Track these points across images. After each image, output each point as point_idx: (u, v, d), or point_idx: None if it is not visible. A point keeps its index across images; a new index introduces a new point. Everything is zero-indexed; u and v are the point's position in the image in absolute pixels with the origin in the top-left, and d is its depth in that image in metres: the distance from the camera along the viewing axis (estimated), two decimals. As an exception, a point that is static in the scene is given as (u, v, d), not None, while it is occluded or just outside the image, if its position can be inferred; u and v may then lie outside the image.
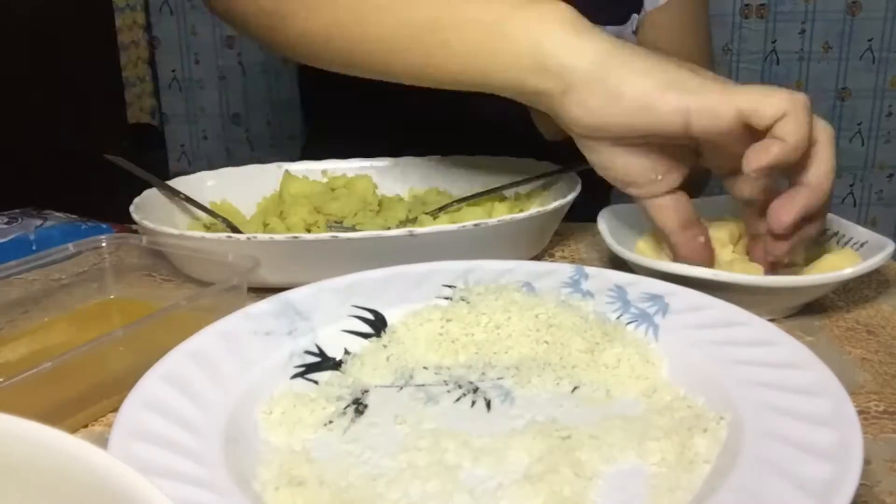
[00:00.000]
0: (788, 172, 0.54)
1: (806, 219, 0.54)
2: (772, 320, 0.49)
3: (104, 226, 0.74)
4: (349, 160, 0.80)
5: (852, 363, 0.52)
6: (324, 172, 0.78)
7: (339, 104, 0.95)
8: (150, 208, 0.67)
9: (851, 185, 2.27)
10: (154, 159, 2.20)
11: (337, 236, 0.60)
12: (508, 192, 0.75)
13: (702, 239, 0.59)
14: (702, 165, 0.59)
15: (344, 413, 0.44)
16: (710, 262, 0.59)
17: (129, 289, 0.62)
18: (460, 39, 0.58)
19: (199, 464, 0.36)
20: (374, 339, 0.50)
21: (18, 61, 1.74)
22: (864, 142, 2.22)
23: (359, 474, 0.39)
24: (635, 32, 0.95)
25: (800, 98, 0.51)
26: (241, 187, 0.76)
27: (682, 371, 0.46)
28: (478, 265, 0.55)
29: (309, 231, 0.68)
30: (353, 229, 0.68)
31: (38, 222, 0.73)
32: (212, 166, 0.78)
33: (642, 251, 0.61)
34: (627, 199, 0.62)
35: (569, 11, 0.58)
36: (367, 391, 0.46)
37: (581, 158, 0.62)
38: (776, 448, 0.36)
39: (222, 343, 0.46)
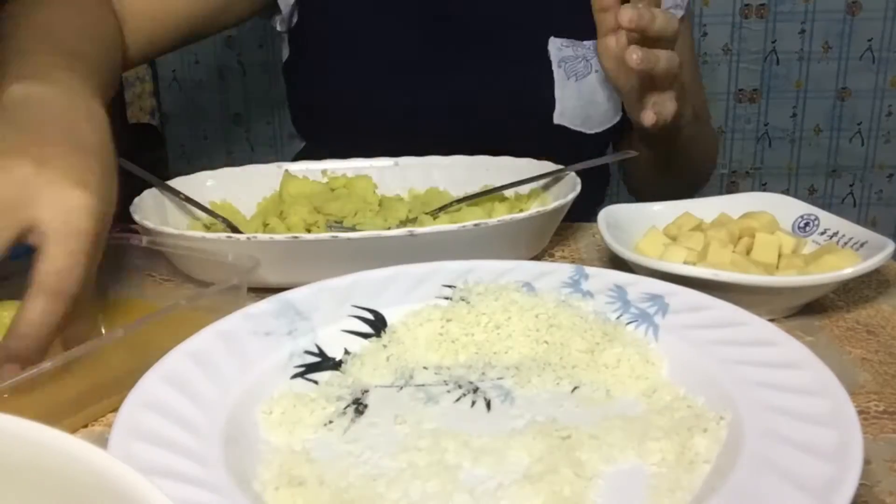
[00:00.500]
0: None
1: None
2: (772, 320, 0.50)
3: (104, 226, 0.74)
4: (349, 160, 0.80)
5: (852, 363, 0.52)
6: (324, 172, 0.78)
7: (337, 128, 0.96)
8: (149, 208, 0.67)
9: (851, 185, 2.27)
10: (154, 159, 2.19)
11: (337, 236, 0.60)
12: (508, 192, 0.75)
13: None
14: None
15: (344, 413, 0.44)
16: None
17: (129, 289, 0.62)
18: None
19: (199, 464, 0.36)
20: (373, 339, 0.50)
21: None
22: (864, 142, 2.22)
23: (359, 474, 0.39)
24: None
25: None
26: (241, 187, 0.76)
27: (682, 371, 0.46)
28: (478, 265, 0.55)
29: (309, 231, 0.68)
30: (353, 229, 0.68)
31: (38, 222, 0.72)
32: (212, 166, 0.78)
33: (642, 251, 0.61)
34: (627, 199, 0.62)
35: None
36: (367, 391, 0.46)
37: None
38: (776, 448, 0.36)
39: (222, 343, 0.46)
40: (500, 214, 0.68)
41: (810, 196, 2.25)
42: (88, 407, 0.47)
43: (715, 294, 0.50)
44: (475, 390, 0.46)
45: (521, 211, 0.70)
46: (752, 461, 0.35)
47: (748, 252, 0.62)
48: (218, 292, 0.53)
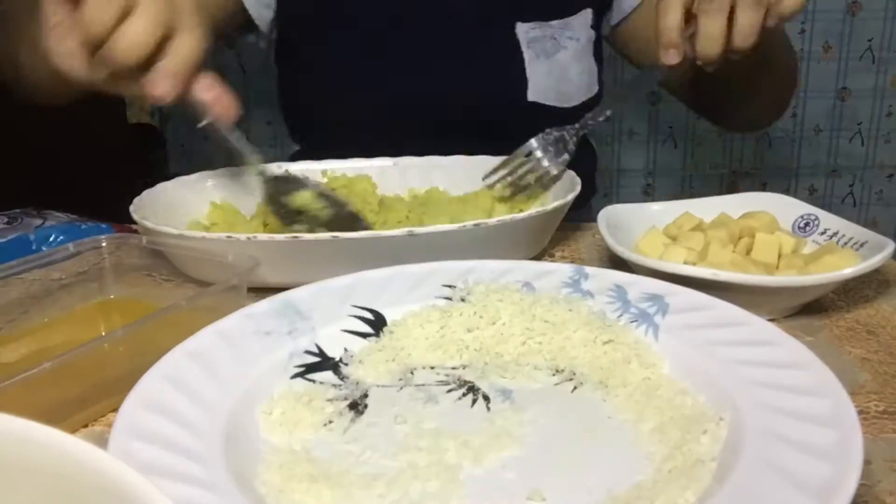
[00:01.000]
0: None
1: None
2: (772, 320, 0.50)
3: (104, 226, 0.74)
4: (349, 160, 0.80)
5: (852, 363, 0.52)
6: (324, 172, 0.78)
7: (328, 131, 0.97)
8: (150, 208, 0.67)
9: (851, 185, 2.27)
10: (154, 159, 2.19)
11: (337, 236, 0.60)
12: (508, 192, 0.75)
13: None
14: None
15: (344, 413, 0.44)
16: None
17: (129, 289, 0.62)
18: None
19: (199, 464, 0.36)
20: (373, 338, 0.50)
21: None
22: (864, 142, 2.22)
23: (359, 474, 0.39)
24: (610, 36, 0.97)
25: None
26: (241, 187, 0.76)
27: (683, 371, 0.46)
28: (478, 265, 0.55)
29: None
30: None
31: (38, 222, 0.73)
32: (212, 166, 0.78)
33: (642, 251, 0.61)
34: (627, 198, 0.62)
35: None
36: (366, 391, 0.46)
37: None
38: (776, 448, 0.36)
39: (222, 343, 0.46)
40: (500, 214, 0.68)
41: (810, 196, 2.25)
42: (88, 407, 0.47)
43: (715, 294, 0.50)
44: (475, 390, 0.46)
45: (521, 211, 0.70)
46: (752, 461, 0.35)
47: (748, 252, 0.62)
48: (218, 292, 0.53)
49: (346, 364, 0.48)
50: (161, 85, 0.57)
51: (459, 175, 0.78)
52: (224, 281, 0.53)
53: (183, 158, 2.37)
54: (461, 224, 0.60)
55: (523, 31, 0.91)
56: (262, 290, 0.56)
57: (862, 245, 0.60)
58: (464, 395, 0.46)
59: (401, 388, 0.47)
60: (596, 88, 0.97)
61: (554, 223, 0.69)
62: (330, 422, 0.43)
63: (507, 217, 0.62)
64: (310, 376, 0.47)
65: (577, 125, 0.73)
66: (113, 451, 0.36)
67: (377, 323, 0.51)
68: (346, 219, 0.68)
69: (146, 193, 0.69)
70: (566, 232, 0.74)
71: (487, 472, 0.39)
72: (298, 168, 0.77)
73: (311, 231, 0.66)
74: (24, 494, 0.23)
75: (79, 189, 1.32)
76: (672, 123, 2.12)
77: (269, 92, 2.48)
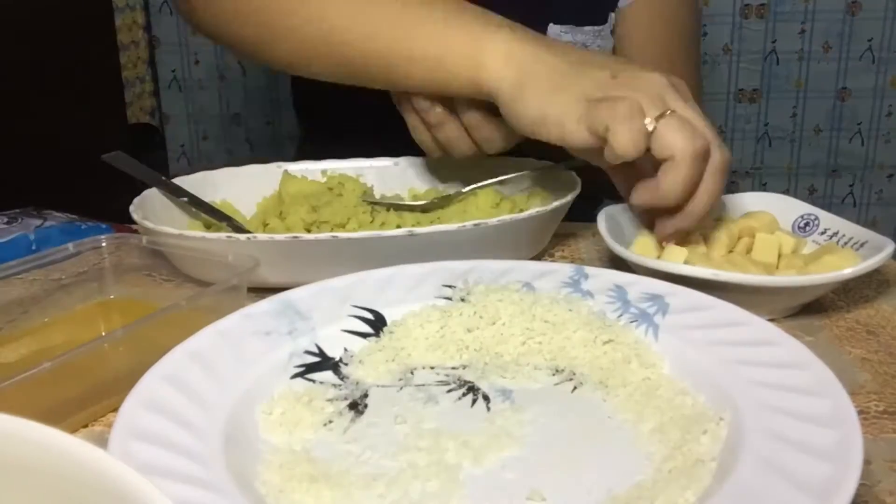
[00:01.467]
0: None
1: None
2: (772, 320, 0.50)
3: (104, 226, 0.74)
4: (349, 160, 0.80)
5: (852, 363, 0.52)
6: (323, 172, 0.78)
7: (337, 106, 0.95)
8: (150, 208, 0.67)
9: (851, 185, 2.27)
10: (154, 159, 2.19)
11: (337, 236, 0.60)
12: (507, 192, 0.75)
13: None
14: None
15: (344, 413, 0.44)
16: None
17: (129, 289, 0.62)
18: (411, 73, 0.66)
19: (199, 464, 0.36)
20: (373, 338, 0.50)
21: (18, 61, 1.74)
22: (863, 142, 2.22)
23: (359, 474, 0.39)
24: (612, 32, 0.96)
25: (690, 149, 0.55)
26: (241, 187, 0.76)
27: (683, 371, 0.46)
28: (478, 265, 0.55)
29: (309, 231, 0.68)
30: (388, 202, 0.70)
31: (38, 222, 0.73)
32: (212, 166, 0.78)
33: (642, 250, 0.61)
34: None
35: (500, 38, 0.63)
36: (366, 391, 0.46)
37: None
38: (776, 448, 0.36)
39: (222, 343, 0.46)
40: (500, 214, 0.68)
41: (810, 196, 2.25)
42: (88, 407, 0.47)
43: (715, 294, 0.50)
44: (475, 390, 0.46)
45: (521, 211, 0.70)
46: (752, 461, 0.35)
47: (748, 252, 0.62)
48: (218, 292, 0.53)
49: (346, 364, 0.48)
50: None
51: (459, 175, 0.78)
52: (224, 281, 0.53)
53: (183, 158, 2.38)
54: (461, 224, 0.60)
55: (555, 33, 0.90)
56: (262, 290, 0.56)
57: (862, 245, 0.60)
58: (464, 395, 0.46)
59: (401, 389, 0.47)
60: None
61: (554, 223, 0.69)
62: (330, 422, 0.43)
63: (507, 217, 0.62)
64: (310, 376, 0.47)
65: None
66: (113, 451, 0.36)
67: (377, 323, 0.51)
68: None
69: (146, 193, 0.69)
70: (566, 232, 0.74)
71: (487, 472, 0.39)
72: (298, 168, 0.77)
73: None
74: (24, 494, 0.23)
75: (79, 189, 1.33)
76: (672, 123, 2.12)
77: (268, 92, 2.49)
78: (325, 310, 0.51)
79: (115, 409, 0.39)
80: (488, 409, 0.45)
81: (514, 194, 0.75)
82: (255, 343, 0.47)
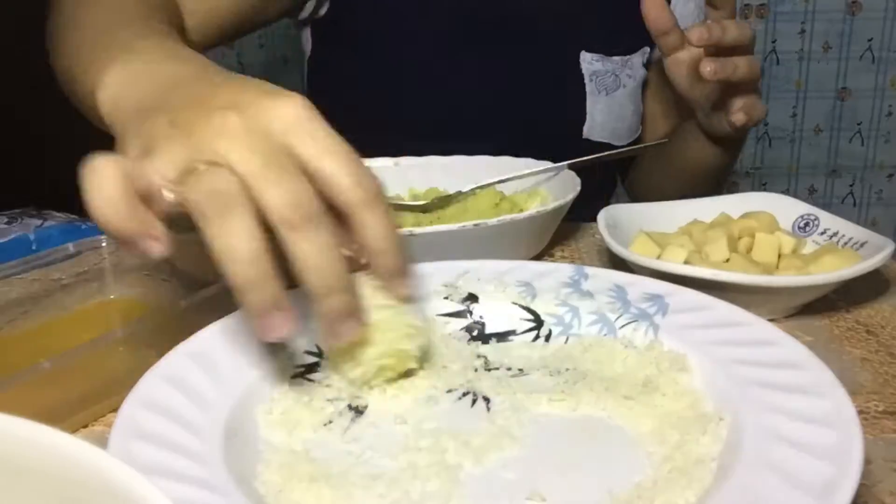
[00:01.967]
0: None
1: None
2: (772, 320, 0.50)
3: (104, 226, 0.74)
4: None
5: (852, 363, 0.52)
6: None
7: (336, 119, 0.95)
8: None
9: (851, 185, 2.27)
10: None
11: (337, 236, 0.60)
12: (509, 191, 0.75)
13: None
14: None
15: (344, 413, 0.44)
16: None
17: (129, 289, 0.62)
18: (85, 94, 0.55)
19: (199, 464, 0.36)
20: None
21: (18, 61, 1.74)
22: (864, 142, 2.22)
23: (359, 474, 0.39)
24: (647, 66, 0.96)
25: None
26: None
27: (683, 371, 0.46)
28: (478, 265, 0.55)
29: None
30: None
31: (38, 222, 0.73)
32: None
33: (642, 250, 0.61)
34: (627, 199, 0.62)
35: (125, 58, 0.51)
36: (366, 391, 0.46)
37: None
38: (776, 448, 0.36)
39: (222, 343, 0.46)
40: (500, 214, 0.68)
41: (810, 196, 2.25)
42: (88, 407, 0.47)
43: (715, 294, 0.50)
44: (475, 390, 0.46)
45: (521, 211, 0.70)
46: (752, 461, 0.35)
47: (748, 252, 0.62)
48: (218, 292, 0.53)
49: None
50: None
51: (460, 175, 0.78)
52: (224, 281, 0.53)
53: (183, 158, 2.37)
54: (461, 224, 0.60)
55: (587, 61, 0.91)
56: (262, 290, 0.56)
57: (862, 245, 0.60)
58: (464, 395, 0.46)
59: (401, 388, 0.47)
60: (640, 130, 0.97)
61: (554, 223, 0.69)
62: (330, 422, 0.43)
63: (507, 217, 0.62)
64: (310, 376, 0.47)
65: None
66: (113, 451, 0.36)
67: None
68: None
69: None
70: (566, 232, 0.74)
71: (487, 472, 0.39)
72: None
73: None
74: (25, 494, 0.23)
75: (79, 189, 1.32)
76: (672, 123, 2.12)
77: (268, 92, 2.46)
78: (325, 310, 0.50)
79: (115, 409, 0.39)
80: (488, 409, 0.45)
81: (513, 194, 0.75)
82: (255, 343, 0.47)
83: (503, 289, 0.53)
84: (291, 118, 0.39)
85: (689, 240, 0.62)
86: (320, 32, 0.94)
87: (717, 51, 0.72)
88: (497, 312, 0.52)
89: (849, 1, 2.09)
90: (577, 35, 0.91)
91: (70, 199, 0.92)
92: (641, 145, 0.84)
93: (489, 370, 0.48)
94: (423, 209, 0.71)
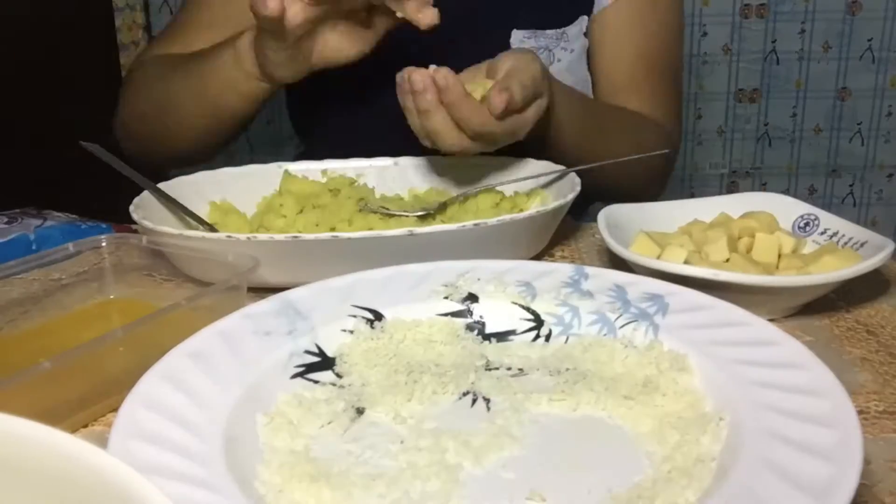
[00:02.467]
0: None
1: None
2: (772, 320, 0.50)
3: (104, 226, 0.74)
4: (349, 160, 0.80)
5: (852, 363, 0.52)
6: (324, 172, 0.78)
7: (336, 128, 0.96)
8: (150, 208, 0.67)
9: (851, 185, 2.27)
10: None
11: (337, 236, 0.60)
12: (509, 191, 0.75)
13: None
14: None
15: (344, 413, 0.44)
16: None
17: (129, 289, 0.62)
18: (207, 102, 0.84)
19: (199, 464, 0.36)
20: (373, 338, 0.50)
21: (18, 61, 1.74)
22: (864, 142, 2.22)
23: (359, 474, 0.39)
24: (586, 34, 0.95)
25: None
26: (241, 187, 0.76)
27: (683, 371, 0.46)
28: (478, 265, 0.55)
29: (309, 231, 0.68)
30: (385, 210, 0.69)
31: (38, 222, 0.73)
32: (212, 166, 0.78)
33: (642, 250, 0.61)
34: (627, 199, 0.62)
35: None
36: (366, 391, 0.46)
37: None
38: (776, 448, 0.36)
39: (222, 343, 0.46)
40: (500, 214, 0.68)
41: (810, 196, 2.25)
42: (88, 407, 0.47)
43: (715, 294, 0.50)
44: (475, 390, 0.46)
45: (521, 211, 0.70)
46: (752, 461, 0.35)
47: (748, 252, 0.62)
48: (218, 292, 0.53)
49: (346, 363, 0.48)
50: None
51: (460, 175, 0.78)
52: (224, 281, 0.53)
53: (183, 158, 2.36)
54: (461, 224, 0.60)
55: (518, 39, 0.90)
56: (262, 290, 0.56)
57: (862, 245, 0.60)
58: (464, 395, 0.46)
59: (401, 388, 0.46)
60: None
61: (554, 223, 0.69)
62: (330, 422, 0.43)
63: (507, 217, 0.62)
64: (310, 376, 0.47)
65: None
66: (113, 451, 0.36)
67: (377, 323, 0.51)
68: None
69: (146, 193, 0.69)
70: (566, 232, 0.74)
71: (487, 472, 0.39)
72: (298, 168, 0.77)
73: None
74: (25, 494, 0.23)
75: (79, 189, 1.32)
76: (672, 123, 2.12)
77: (268, 92, 2.44)
78: (325, 310, 0.51)
79: (115, 409, 0.39)
80: (488, 409, 0.45)
81: (514, 194, 0.75)
82: (255, 343, 0.47)
83: (503, 289, 0.53)
84: None
85: (689, 240, 0.62)
86: None
87: None
88: (497, 312, 0.52)
89: (849, 1, 2.09)
90: (512, 13, 0.91)
91: (70, 199, 0.92)
92: (644, 154, 0.82)
93: (489, 370, 0.48)
94: (421, 217, 0.71)
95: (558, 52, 0.91)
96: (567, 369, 0.47)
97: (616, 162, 0.74)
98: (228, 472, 0.36)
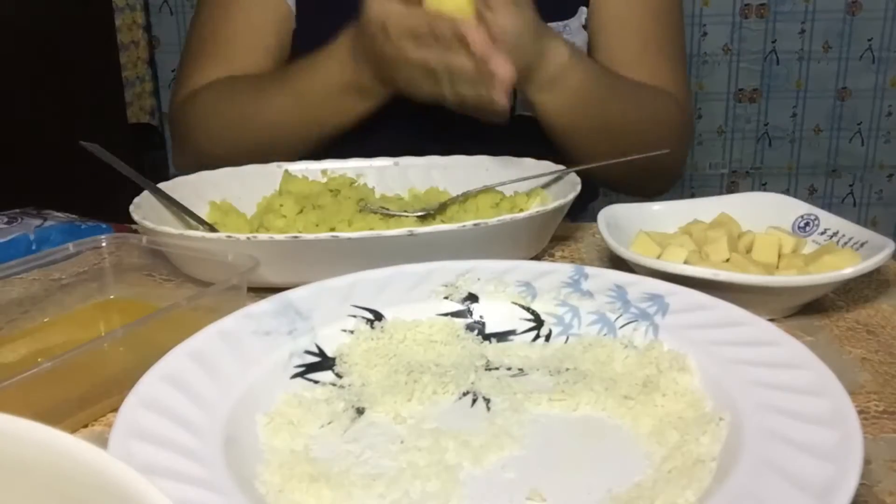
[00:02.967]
0: None
1: None
2: (772, 320, 0.49)
3: (104, 226, 0.74)
4: (349, 160, 0.80)
5: (852, 363, 0.52)
6: (324, 172, 0.78)
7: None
8: (150, 208, 0.67)
9: (851, 185, 2.27)
10: (154, 159, 2.19)
11: (337, 236, 0.60)
12: (509, 192, 0.75)
13: None
14: None
15: (344, 413, 0.44)
16: None
17: (129, 289, 0.62)
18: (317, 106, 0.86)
19: (199, 464, 0.36)
20: (373, 338, 0.50)
21: (18, 61, 1.74)
22: (864, 142, 2.22)
23: (359, 474, 0.39)
24: (585, 27, 0.95)
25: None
26: (241, 187, 0.76)
27: (682, 371, 0.46)
28: (478, 265, 0.55)
29: (309, 231, 0.68)
30: (385, 210, 0.69)
31: (38, 222, 0.73)
32: (212, 166, 0.78)
33: (642, 250, 0.61)
34: (626, 199, 0.62)
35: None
36: (366, 391, 0.46)
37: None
38: (776, 448, 0.36)
39: (222, 343, 0.46)
40: (500, 214, 0.68)
41: (810, 196, 2.25)
42: (88, 407, 0.47)
43: (715, 294, 0.50)
44: (475, 390, 0.46)
45: (521, 211, 0.70)
46: (752, 461, 0.35)
47: (748, 252, 0.62)
48: (218, 292, 0.53)
49: (346, 364, 0.48)
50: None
51: (460, 175, 0.78)
52: (224, 281, 0.53)
53: (183, 158, 2.37)
54: (461, 224, 0.60)
55: None
56: (262, 290, 0.56)
57: (862, 245, 0.60)
58: (464, 394, 0.46)
59: (400, 388, 0.46)
60: None
61: (554, 223, 0.69)
62: (330, 422, 0.43)
63: (507, 217, 0.62)
64: (310, 376, 0.47)
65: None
66: (113, 451, 0.36)
67: (377, 323, 0.51)
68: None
69: (146, 193, 0.69)
70: (566, 232, 0.74)
71: (487, 472, 0.39)
72: (298, 168, 0.77)
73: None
74: (25, 494, 0.23)
75: (79, 189, 1.32)
76: (672, 123, 2.12)
77: (269, 92, 2.45)
78: (325, 310, 0.51)
79: (115, 409, 0.39)
80: (488, 409, 0.45)
81: (514, 194, 0.75)
82: (255, 343, 0.47)
83: (503, 289, 0.53)
84: None
85: (689, 240, 0.62)
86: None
87: None
88: (497, 312, 0.52)
89: (849, 1, 2.09)
90: None
91: (70, 199, 0.92)
92: (644, 154, 0.81)
93: (489, 370, 0.48)
94: (421, 218, 0.71)
95: None
96: (567, 369, 0.47)
97: (617, 162, 0.74)
98: (228, 472, 0.36)
